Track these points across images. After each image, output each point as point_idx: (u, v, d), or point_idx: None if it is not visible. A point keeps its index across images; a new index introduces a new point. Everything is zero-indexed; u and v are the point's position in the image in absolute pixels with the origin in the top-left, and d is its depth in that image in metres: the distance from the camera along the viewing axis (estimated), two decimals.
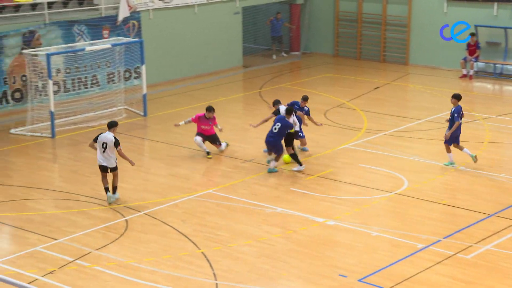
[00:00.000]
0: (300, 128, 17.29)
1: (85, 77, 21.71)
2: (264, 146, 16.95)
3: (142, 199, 14.91)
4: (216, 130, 17.49)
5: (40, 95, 19.94)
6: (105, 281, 11.57)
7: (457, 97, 16.50)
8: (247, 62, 27.50)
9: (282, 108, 17.13)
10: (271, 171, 16.35)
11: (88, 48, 20.37)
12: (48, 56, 18.92)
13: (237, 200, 14.86)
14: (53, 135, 19.03)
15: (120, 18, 22.51)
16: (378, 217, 14.09)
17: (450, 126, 16.37)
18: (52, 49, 20.11)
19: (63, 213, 14.28)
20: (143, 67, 21.11)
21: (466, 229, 13.47)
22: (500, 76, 25.54)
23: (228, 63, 26.54)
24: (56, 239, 13.04)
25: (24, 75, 20.37)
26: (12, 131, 19.33)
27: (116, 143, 14.41)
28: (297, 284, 11.61)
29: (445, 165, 16.62)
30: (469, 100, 23.15)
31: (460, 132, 16.52)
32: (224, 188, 15.50)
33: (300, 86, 24.38)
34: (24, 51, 19.80)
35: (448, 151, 16.55)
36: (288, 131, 16.35)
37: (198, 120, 17.35)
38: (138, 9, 23.23)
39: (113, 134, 14.50)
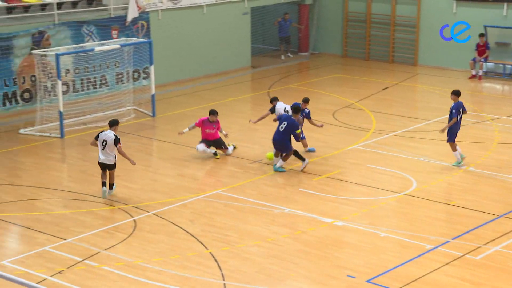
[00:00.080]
0: (295, 133, 17.16)
1: (94, 77, 21.77)
2: (271, 148, 16.92)
3: (150, 199, 14.94)
4: (220, 135, 17.39)
5: (49, 95, 20.01)
6: (113, 281, 11.60)
7: (456, 93, 16.53)
8: (256, 63, 27.50)
9: (279, 105, 17.13)
10: (278, 169, 16.32)
11: (97, 49, 20.43)
12: (58, 56, 18.99)
13: (245, 200, 14.86)
14: (62, 135, 19.09)
15: (129, 18, 22.56)
16: (387, 218, 14.07)
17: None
18: (62, 49, 20.18)
19: (71, 213, 14.32)
20: (152, 68, 21.15)
21: (475, 230, 13.43)
22: (509, 76, 25.45)
23: (236, 64, 26.56)
24: (64, 239, 13.08)
25: (34, 76, 20.44)
26: (21, 131, 19.41)
27: (116, 141, 14.59)
28: (305, 284, 11.60)
29: (454, 165, 16.58)
30: (478, 100, 23.11)
31: (459, 129, 16.51)
32: (232, 188, 15.50)
33: (308, 87, 24.37)
34: (34, 51, 19.87)
35: (454, 149, 16.51)
36: (295, 131, 16.27)
37: (202, 124, 17.21)
38: (147, 10, 23.28)
39: (113, 133, 14.70)
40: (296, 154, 16.44)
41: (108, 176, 14.96)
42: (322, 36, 29.50)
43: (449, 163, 16.77)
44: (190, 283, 11.54)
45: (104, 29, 22.13)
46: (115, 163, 14.86)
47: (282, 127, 16.24)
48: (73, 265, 12.09)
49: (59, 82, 19.12)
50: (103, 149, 14.68)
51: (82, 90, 21.53)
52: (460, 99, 16.67)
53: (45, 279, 11.64)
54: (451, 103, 16.71)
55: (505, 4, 25.32)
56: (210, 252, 12.58)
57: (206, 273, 11.85)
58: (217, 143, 17.31)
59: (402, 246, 12.82)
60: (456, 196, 15.11)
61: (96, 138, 14.81)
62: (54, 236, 13.21)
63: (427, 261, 12.23)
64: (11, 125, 19.95)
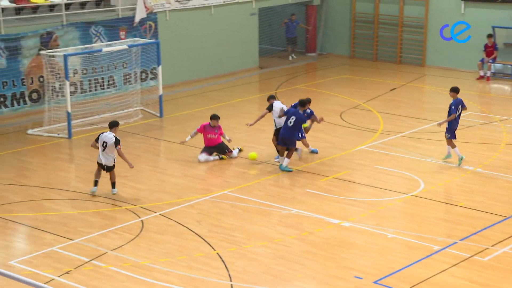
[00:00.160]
0: (300, 129, 17.15)
1: (102, 78, 21.82)
2: (275, 152, 16.91)
3: (157, 199, 14.96)
4: (224, 140, 17.26)
5: (57, 96, 20.06)
6: (120, 282, 11.62)
7: (455, 90, 16.64)
8: (263, 63, 27.50)
9: (277, 104, 17.09)
10: (284, 169, 16.33)
11: (105, 49, 20.47)
12: (66, 57, 19.04)
13: (252, 201, 14.86)
14: (69, 135, 19.14)
15: (137, 19, 22.60)
16: (394, 219, 14.04)
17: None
18: (70, 50, 20.24)
19: (79, 214, 14.36)
20: (160, 68, 21.18)
21: (483, 231, 13.39)
22: None
23: (244, 64, 26.56)
24: (72, 240, 13.11)
25: (42, 76, 20.50)
26: (29, 131, 19.46)
27: (116, 142, 14.66)
28: (312, 285, 11.59)
29: (458, 165, 16.57)
30: (486, 101, 23.04)
31: (457, 126, 16.51)
32: (239, 189, 15.51)
33: (316, 87, 24.35)
34: (42, 52, 19.92)
35: (452, 146, 16.55)
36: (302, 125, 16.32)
37: (204, 129, 17.09)
38: (154, 10, 23.31)
39: (113, 134, 14.77)
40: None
41: (109, 176, 15.05)
42: (329, 37, 29.47)
43: (457, 164, 16.71)
44: (197, 284, 11.55)
45: (112, 29, 22.17)
46: (114, 165, 14.93)
47: (290, 122, 16.25)
48: (80, 266, 12.12)
49: (67, 83, 19.16)
50: (103, 150, 14.76)
51: (90, 91, 21.58)
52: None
53: (53, 279, 11.67)
54: None
55: None
56: (217, 253, 12.59)
57: (213, 273, 11.86)
58: (220, 149, 17.19)
59: (410, 247, 12.79)
60: (463, 197, 15.07)
61: (96, 140, 14.91)
62: (62, 236, 13.24)
63: (435, 262, 12.20)
64: (19, 126, 20.01)
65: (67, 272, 11.87)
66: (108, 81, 21.99)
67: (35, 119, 20.15)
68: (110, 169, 14.95)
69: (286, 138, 16.31)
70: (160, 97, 21.08)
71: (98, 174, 15.09)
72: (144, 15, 22.77)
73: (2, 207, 14.62)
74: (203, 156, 17.07)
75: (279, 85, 24.68)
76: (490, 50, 25.21)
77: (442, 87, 24.06)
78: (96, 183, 15.09)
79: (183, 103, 22.46)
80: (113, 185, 15.10)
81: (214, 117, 17.09)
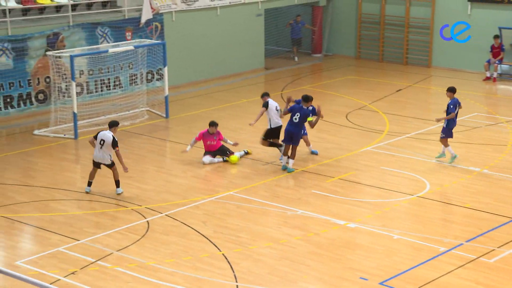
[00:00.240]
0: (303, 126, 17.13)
1: (108, 79, 21.85)
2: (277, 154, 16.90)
3: (163, 200, 14.97)
4: (227, 145, 17.22)
5: (64, 96, 20.10)
6: (126, 282, 11.63)
7: (452, 90, 16.84)
8: (269, 64, 27.50)
9: (272, 102, 17.15)
10: (291, 170, 16.33)
11: (111, 50, 20.50)
12: (72, 57, 19.08)
13: (258, 202, 14.86)
14: (76, 136, 19.17)
15: (143, 20, 22.63)
16: (400, 220, 14.02)
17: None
18: (76, 50, 20.27)
19: (85, 214, 14.38)
20: (165, 69, 21.20)
21: (489, 232, 13.36)
22: None
23: (250, 65, 26.57)
24: (78, 240, 13.13)
25: (48, 77, 20.55)
26: (36, 132, 19.50)
27: (114, 144, 14.75)
28: (318, 286, 11.58)
29: (450, 163, 16.65)
30: (493, 102, 22.99)
31: (454, 126, 16.54)
32: (244, 190, 15.51)
33: (322, 88, 24.34)
34: (48, 52, 19.96)
35: (446, 145, 16.63)
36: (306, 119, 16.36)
37: (203, 137, 17.06)
38: (160, 11, 23.34)
39: (112, 134, 14.90)
40: (274, 145, 16.89)
41: (112, 174, 15.14)
42: (335, 37, 29.46)
43: (463, 165, 16.69)
44: (202, 284, 11.55)
45: (118, 30, 22.21)
46: (112, 162, 15.01)
47: (296, 119, 16.29)
48: (86, 266, 12.14)
49: (73, 84, 19.19)
50: (100, 147, 14.89)
51: (96, 92, 21.62)
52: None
53: (59, 279, 11.69)
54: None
55: None
56: (223, 254, 12.59)
57: (218, 274, 11.86)
58: (221, 151, 17.18)
59: (415, 248, 12.77)
60: (469, 199, 15.03)
61: (95, 137, 15.03)
62: (68, 237, 13.26)
63: (441, 263, 12.17)
64: (26, 126, 20.06)
65: (73, 273, 11.90)
66: (114, 82, 22.03)
67: (41, 119, 20.20)
68: (110, 166, 15.02)
69: (293, 133, 16.32)
70: (166, 98, 21.10)
71: (92, 175, 15.24)
72: (150, 16, 22.80)
73: (9, 207, 14.66)
74: (208, 158, 17.08)
75: (285, 86, 24.67)
76: (497, 51, 25.16)
77: None
78: (90, 183, 15.25)
79: (189, 104, 22.48)
80: (117, 183, 15.13)
81: (213, 124, 17.07)
